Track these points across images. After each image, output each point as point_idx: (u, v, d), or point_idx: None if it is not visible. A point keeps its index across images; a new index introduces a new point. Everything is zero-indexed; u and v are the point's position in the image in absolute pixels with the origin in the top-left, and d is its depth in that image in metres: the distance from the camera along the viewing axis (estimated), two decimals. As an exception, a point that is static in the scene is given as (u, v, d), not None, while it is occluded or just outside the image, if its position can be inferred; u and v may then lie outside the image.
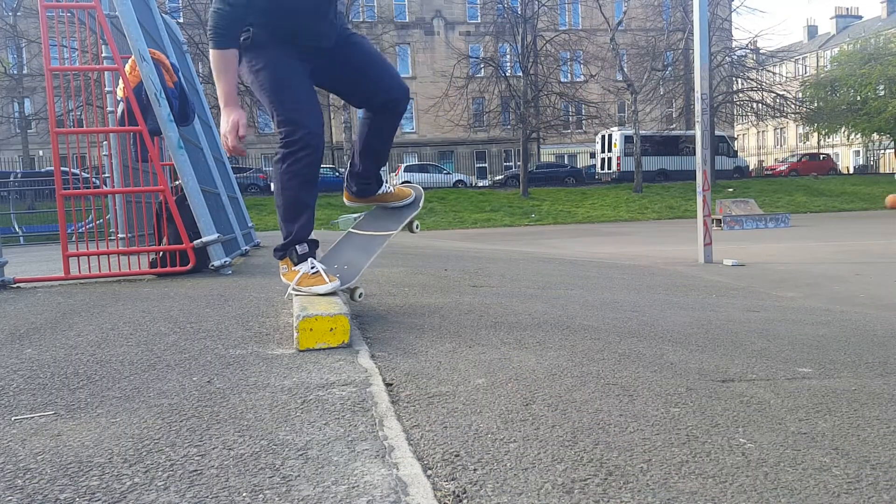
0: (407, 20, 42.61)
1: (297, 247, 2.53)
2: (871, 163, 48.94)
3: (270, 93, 2.48)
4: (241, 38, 2.47)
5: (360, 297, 2.70)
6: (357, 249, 2.89)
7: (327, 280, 2.48)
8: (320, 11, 2.51)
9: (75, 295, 3.53)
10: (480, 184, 37.96)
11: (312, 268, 2.52)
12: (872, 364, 2.30)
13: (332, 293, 2.48)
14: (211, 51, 2.40)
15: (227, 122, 2.43)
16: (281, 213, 2.56)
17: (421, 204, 3.04)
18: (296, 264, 2.53)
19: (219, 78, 2.43)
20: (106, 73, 5.46)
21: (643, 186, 29.36)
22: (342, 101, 31.54)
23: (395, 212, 3.04)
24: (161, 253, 4.35)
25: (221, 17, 2.34)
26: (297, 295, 2.52)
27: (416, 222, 3.00)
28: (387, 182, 3.00)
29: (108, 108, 5.40)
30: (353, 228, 3.09)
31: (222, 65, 2.41)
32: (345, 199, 3.07)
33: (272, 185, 2.65)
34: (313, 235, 2.63)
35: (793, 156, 43.56)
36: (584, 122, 37.81)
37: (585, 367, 2.06)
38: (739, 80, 34.25)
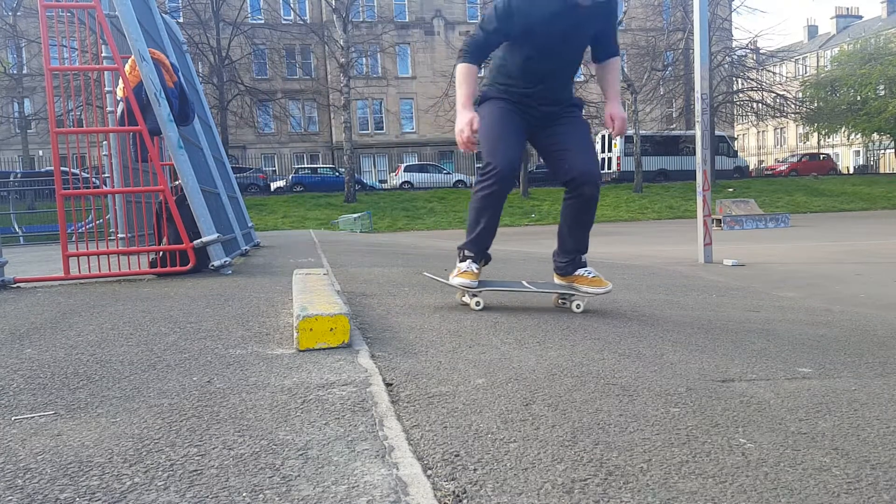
0: (407, 20, 42.60)
1: (465, 250, 3.05)
2: (871, 163, 48.94)
3: (483, 136, 2.95)
4: (479, 93, 3.05)
5: (577, 308, 3.13)
6: (521, 288, 3.34)
7: (472, 274, 3.01)
8: (559, 83, 3.02)
9: (75, 295, 3.53)
10: (480, 184, 37.91)
11: (468, 267, 3.03)
12: (872, 364, 2.30)
13: (462, 288, 3.06)
14: (459, 64, 2.97)
15: (463, 120, 2.87)
16: (468, 221, 3.09)
17: (601, 292, 3.13)
18: (461, 261, 3.06)
19: (460, 85, 2.95)
20: (106, 72, 5.46)
21: (643, 186, 29.36)
22: (341, 102, 31.45)
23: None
24: (161, 253, 4.35)
25: (476, 40, 2.94)
26: (441, 281, 3.19)
27: (579, 303, 3.13)
28: (586, 267, 3.14)
29: (108, 108, 5.40)
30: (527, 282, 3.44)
31: (465, 76, 2.95)
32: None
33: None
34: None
35: (793, 156, 43.55)
36: (583, 122, 37.78)
37: (585, 366, 2.06)
38: (739, 80, 34.27)
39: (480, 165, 2.97)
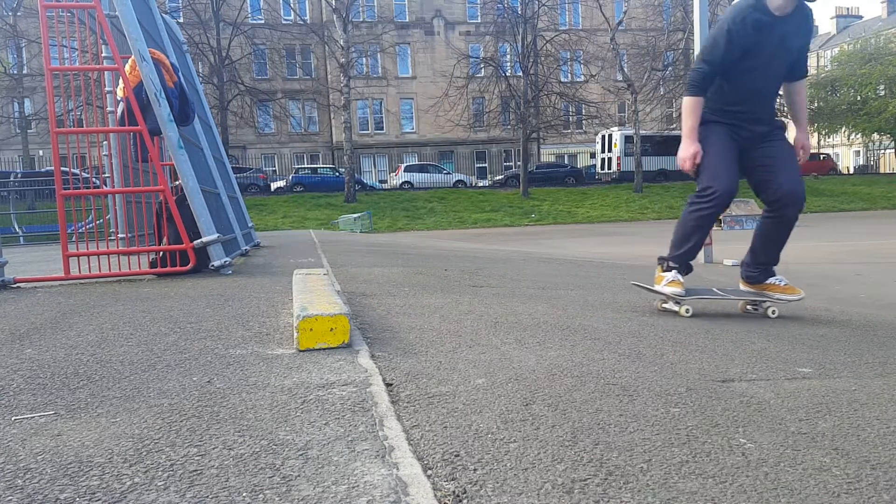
0: (407, 20, 42.59)
1: (670, 262, 3.25)
2: (872, 163, 48.92)
3: (705, 160, 3.12)
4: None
5: (772, 313, 3.30)
6: (713, 295, 3.46)
7: (679, 284, 3.20)
8: (767, 101, 3.17)
9: (75, 295, 3.53)
10: (480, 184, 37.98)
11: (675, 276, 3.23)
12: (872, 364, 2.30)
13: (673, 297, 3.21)
14: (686, 97, 3.15)
15: (688, 150, 3.10)
16: (675, 237, 3.25)
17: (795, 299, 3.30)
18: (664, 271, 3.26)
19: (687, 117, 3.14)
20: (106, 72, 5.46)
21: (643, 186, 29.35)
22: (341, 102, 31.46)
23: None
24: (161, 253, 4.35)
25: (700, 74, 3.09)
26: (651, 290, 3.34)
27: (773, 308, 3.31)
28: (777, 277, 3.32)
29: (109, 108, 5.40)
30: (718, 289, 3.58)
31: (692, 108, 3.13)
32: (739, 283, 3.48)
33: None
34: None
35: (793, 156, 43.44)
36: (584, 122, 37.83)
37: (585, 366, 2.06)
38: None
39: (699, 187, 3.13)
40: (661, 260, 3.30)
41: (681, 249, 3.21)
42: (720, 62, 3.04)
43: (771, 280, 3.28)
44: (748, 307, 3.39)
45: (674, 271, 3.22)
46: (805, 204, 3.13)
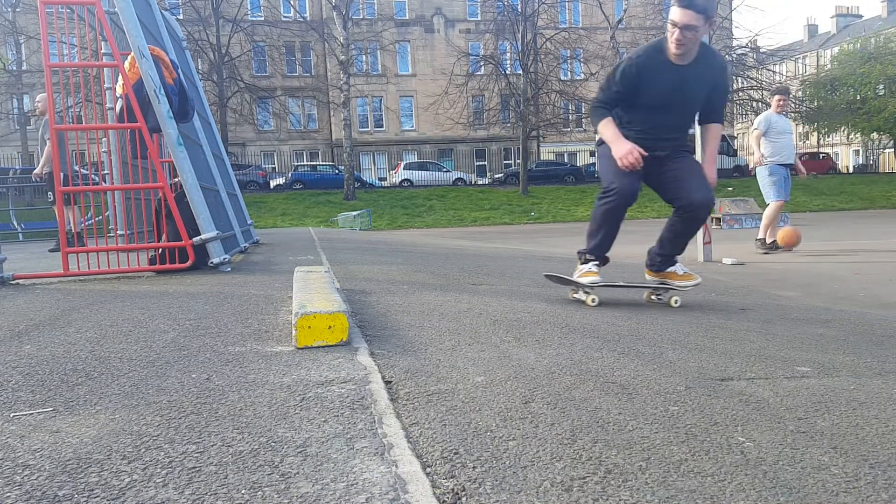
0: (407, 17, 42.53)
1: (587, 254, 3.46)
2: (871, 162, 48.93)
3: (607, 164, 3.34)
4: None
5: (675, 303, 3.49)
6: (620, 284, 3.73)
7: (593, 273, 3.40)
8: (673, 135, 3.41)
9: (74, 292, 3.53)
10: (480, 182, 37.92)
11: (590, 268, 3.44)
12: (871, 363, 2.30)
13: (590, 286, 3.39)
14: (596, 122, 3.38)
15: (623, 148, 3.22)
16: (588, 230, 3.48)
17: (690, 286, 3.52)
18: (582, 263, 3.47)
19: (605, 131, 3.34)
20: (105, 69, 5.45)
21: (643, 186, 29.31)
22: (341, 100, 31.40)
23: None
24: (160, 250, 4.35)
25: (595, 106, 3.40)
26: (567, 280, 3.52)
27: (676, 298, 3.51)
28: (678, 265, 3.54)
29: (108, 105, 5.39)
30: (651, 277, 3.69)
31: (605, 124, 3.33)
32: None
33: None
34: None
35: (792, 155, 43.48)
36: (583, 120, 37.78)
37: (584, 365, 2.06)
38: (739, 79, 34.23)
39: (604, 185, 3.37)
40: (580, 253, 3.52)
41: (593, 241, 3.43)
42: (612, 98, 3.34)
43: (671, 269, 3.51)
44: (653, 297, 3.62)
45: (590, 263, 3.44)
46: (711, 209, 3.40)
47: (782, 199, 7.61)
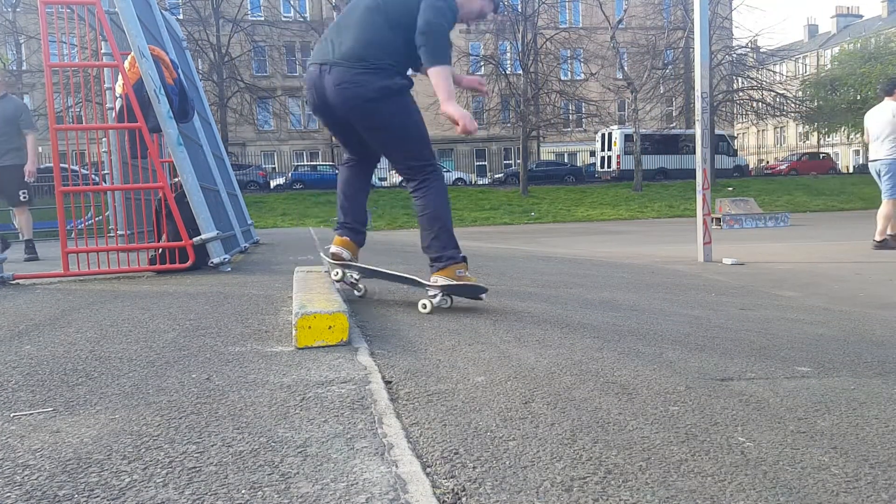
0: (407, 18, 42.48)
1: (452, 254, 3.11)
2: (871, 162, 48.89)
3: (423, 134, 3.12)
4: (405, 81, 3.00)
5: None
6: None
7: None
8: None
9: (74, 292, 3.53)
10: (480, 182, 37.92)
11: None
12: (871, 363, 2.30)
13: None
14: (445, 66, 2.81)
15: (461, 114, 2.78)
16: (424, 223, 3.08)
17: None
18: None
19: (441, 86, 2.80)
20: (105, 69, 5.45)
21: (643, 185, 29.32)
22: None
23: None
24: (160, 250, 4.35)
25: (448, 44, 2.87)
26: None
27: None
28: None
29: (108, 105, 5.39)
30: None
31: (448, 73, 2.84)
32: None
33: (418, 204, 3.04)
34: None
35: (792, 155, 43.49)
36: (583, 120, 37.78)
37: (585, 365, 2.06)
38: (740, 79, 34.22)
39: (426, 164, 3.04)
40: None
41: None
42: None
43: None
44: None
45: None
46: None
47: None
